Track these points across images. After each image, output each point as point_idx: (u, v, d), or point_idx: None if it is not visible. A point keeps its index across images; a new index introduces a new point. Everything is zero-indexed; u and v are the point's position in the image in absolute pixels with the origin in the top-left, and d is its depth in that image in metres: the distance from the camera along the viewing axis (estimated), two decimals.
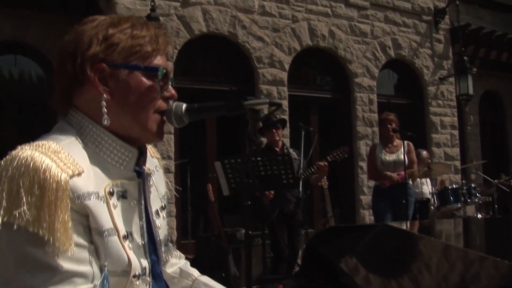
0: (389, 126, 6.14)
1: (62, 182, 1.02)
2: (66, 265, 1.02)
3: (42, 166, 1.02)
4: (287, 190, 5.22)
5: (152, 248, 1.29)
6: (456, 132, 10.28)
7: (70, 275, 1.02)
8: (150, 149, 1.44)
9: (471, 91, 9.60)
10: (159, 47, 1.24)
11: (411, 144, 6.28)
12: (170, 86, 1.27)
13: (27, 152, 1.04)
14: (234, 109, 1.34)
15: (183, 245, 7.22)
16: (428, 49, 10.13)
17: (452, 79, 10.24)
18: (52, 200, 1.00)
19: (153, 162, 1.42)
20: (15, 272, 1.00)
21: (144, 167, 1.29)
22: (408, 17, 9.91)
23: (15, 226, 0.98)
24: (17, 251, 1.00)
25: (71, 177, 1.04)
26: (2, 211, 0.98)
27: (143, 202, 1.26)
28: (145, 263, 1.23)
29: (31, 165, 1.01)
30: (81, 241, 1.06)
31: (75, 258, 1.03)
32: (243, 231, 6.39)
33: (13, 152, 1.05)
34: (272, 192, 5.16)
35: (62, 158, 1.06)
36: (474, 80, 9.80)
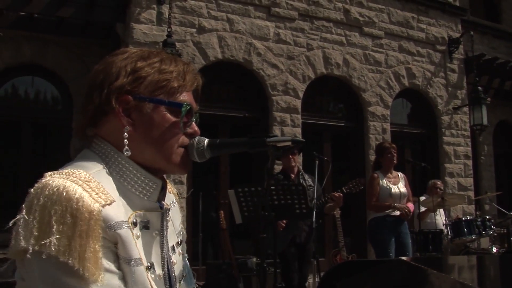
0: (395, 155, 5.99)
1: (95, 212, 1.03)
2: None
3: (75, 195, 1.02)
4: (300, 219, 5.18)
5: (168, 282, 1.28)
6: (470, 162, 10.20)
7: None
8: (168, 184, 1.44)
9: (485, 121, 9.55)
10: (185, 83, 1.24)
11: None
12: (193, 123, 1.27)
13: (58, 180, 1.04)
14: (257, 146, 1.31)
15: (193, 271, 7.16)
16: (442, 78, 10.13)
17: (466, 109, 10.20)
18: (84, 230, 1.01)
19: (170, 197, 1.42)
20: None
21: (163, 202, 1.29)
22: (422, 47, 9.95)
23: (45, 255, 0.98)
24: (47, 279, 1.00)
25: (103, 206, 1.05)
26: (32, 240, 0.98)
27: (164, 233, 1.26)
28: None
29: (64, 194, 1.01)
30: (113, 268, 1.07)
31: (106, 285, 1.03)
32: (254, 259, 6.38)
33: (43, 180, 1.05)
34: (285, 221, 5.12)
35: (93, 187, 1.06)
36: (488, 110, 9.76)
